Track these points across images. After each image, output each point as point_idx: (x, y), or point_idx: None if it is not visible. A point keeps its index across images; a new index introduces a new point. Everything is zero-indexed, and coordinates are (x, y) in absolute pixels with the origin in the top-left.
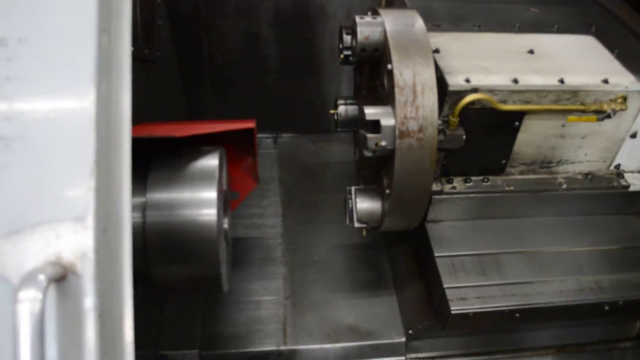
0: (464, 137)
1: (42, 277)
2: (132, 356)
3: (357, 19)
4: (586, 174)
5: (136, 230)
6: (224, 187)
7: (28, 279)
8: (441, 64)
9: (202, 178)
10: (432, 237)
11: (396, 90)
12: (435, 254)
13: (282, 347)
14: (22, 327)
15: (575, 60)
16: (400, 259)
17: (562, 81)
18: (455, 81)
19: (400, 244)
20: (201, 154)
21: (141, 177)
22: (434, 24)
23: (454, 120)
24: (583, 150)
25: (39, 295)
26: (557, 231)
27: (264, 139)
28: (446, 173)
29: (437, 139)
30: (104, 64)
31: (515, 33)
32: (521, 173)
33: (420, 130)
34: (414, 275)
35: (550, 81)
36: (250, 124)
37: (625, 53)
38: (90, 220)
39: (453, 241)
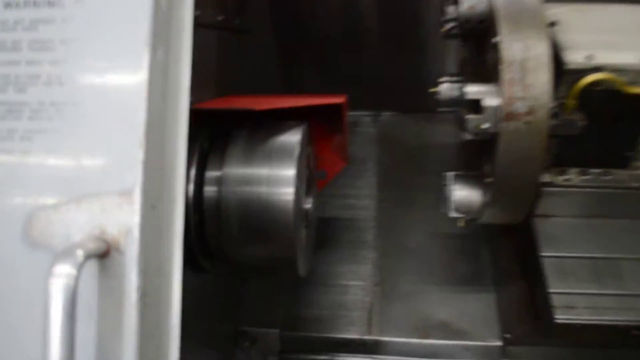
0: (582, 122)
1: (80, 252)
2: (177, 340)
3: None
4: None
5: (211, 204)
6: (308, 165)
7: (66, 253)
8: (559, 38)
9: (282, 154)
10: (540, 234)
11: (502, 66)
12: (542, 253)
13: (366, 337)
14: (53, 302)
15: None
16: (502, 254)
17: None
18: (575, 58)
19: (503, 237)
20: (283, 129)
21: (220, 150)
22: None
23: (571, 103)
24: None
25: (73, 271)
26: None
27: (363, 117)
28: (559, 163)
29: (549, 123)
30: (162, 28)
31: None
32: None
33: (530, 112)
34: (516, 274)
35: None
36: (339, 100)
37: None
38: (137, 195)
39: (564, 240)
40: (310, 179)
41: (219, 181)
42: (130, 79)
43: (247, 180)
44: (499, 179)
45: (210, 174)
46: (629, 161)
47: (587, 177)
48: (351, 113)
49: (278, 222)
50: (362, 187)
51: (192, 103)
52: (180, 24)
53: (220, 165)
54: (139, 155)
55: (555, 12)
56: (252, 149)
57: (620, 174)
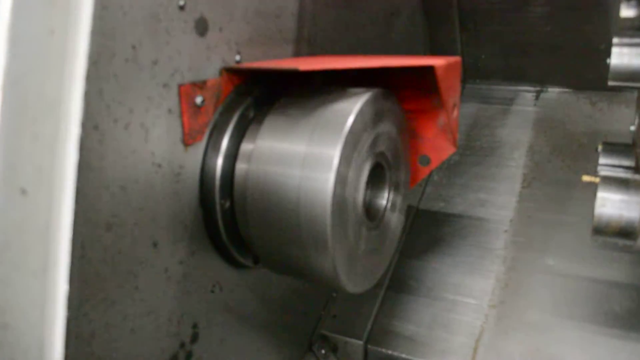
0: None
1: None
2: None
3: None
4: None
5: (240, 184)
6: (383, 146)
7: None
8: None
9: (327, 128)
10: None
11: None
12: None
13: None
14: None
15: None
16: None
17: None
18: None
19: None
20: (340, 96)
21: (262, 120)
22: None
23: None
24: None
25: None
26: None
27: (523, 92)
28: None
29: None
30: None
31: None
32: None
33: None
34: None
35: None
36: (437, 62)
37: None
38: None
39: None
40: (391, 166)
41: (249, 156)
42: None
43: (278, 159)
44: None
45: (246, 147)
46: None
47: None
48: (507, 87)
49: (311, 219)
50: (503, 179)
51: (239, 61)
52: None
53: (254, 136)
54: None
55: None
56: (294, 119)
57: None
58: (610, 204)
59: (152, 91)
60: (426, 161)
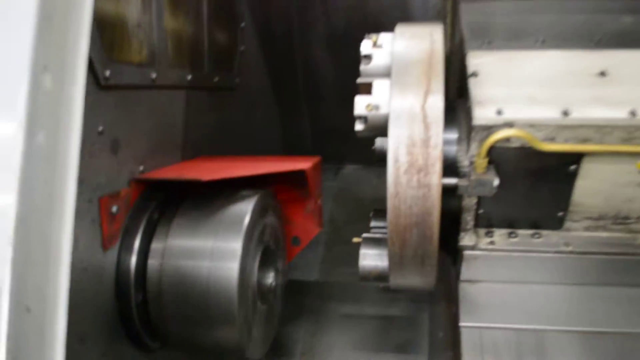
0: (496, 182)
1: None
2: None
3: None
4: None
5: (154, 278)
6: (268, 235)
7: None
8: (473, 90)
9: (229, 226)
10: (463, 300)
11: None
12: (462, 324)
13: None
14: None
15: None
16: (438, 321)
17: (634, 113)
18: (484, 113)
19: (443, 302)
20: (235, 199)
21: (169, 221)
22: (485, 41)
23: (481, 161)
24: None
25: None
26: (633, 307)
27: (326, 169)
28: (487, 224)
29: (451, 183)
30: (44, 109)
31: (590, 50)
32: (587, 229)
33: (420, 170)
34: (448, 345)
35: (618, 113)
36: (304, 165)
37: None
38: (4, 297)
39: (488, 308)
40: (272, 250)
41: (162, 254)
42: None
43: (190, 254)
44: (391, 239)
45: (156, 245)
46: (562, 222)
47: (514, 239)
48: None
49: (220, 298)
50: (308, 245)
51: (143, 171)
52: (69, 103)
53: (165, 236)
54: (7, 254)
55: (479, 61)
56: (199, 220)
57: (553, 237)
58: (369, 258)
59: (80, 206)
60: (297, 241)
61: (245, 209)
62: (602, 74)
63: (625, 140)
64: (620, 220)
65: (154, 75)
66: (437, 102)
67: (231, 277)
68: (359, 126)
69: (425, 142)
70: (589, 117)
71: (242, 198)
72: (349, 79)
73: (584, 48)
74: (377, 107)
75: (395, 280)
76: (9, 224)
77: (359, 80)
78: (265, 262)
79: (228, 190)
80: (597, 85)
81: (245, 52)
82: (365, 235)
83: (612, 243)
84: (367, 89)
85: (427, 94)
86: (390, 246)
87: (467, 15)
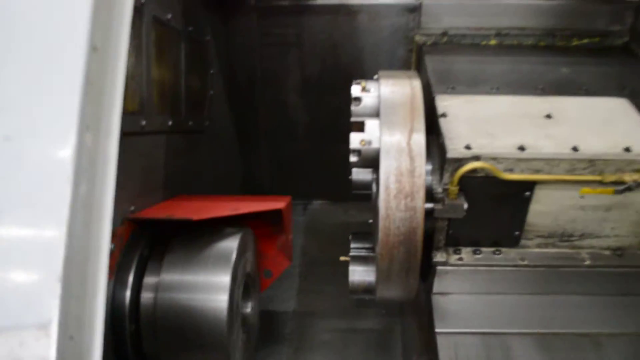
0: (465, 206)
1: None
2: None
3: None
4: (615, 250)
5: (148, 310)
6: (248, 269)
7: None
8: (444, 129)
9: (217, 262)
10: (436, 311)
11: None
12: (437, 330)
13: None
14: None
15: (598, 125)
16: (410, 332)
17: (575, 149)
18: (455, 148)
19: (412, 314)
20: (221, 236)
21: (160, 257)
22: (449, 86)
23: (453, 189)
24: (609, 224)
25: None
26: (579, 311)
27: (295, 206)
28: (455, 243)
29: (429, 207)
30: (85, 167)
31: (537, 96)
32: (538, 246)
33: (407, 196)
34: (421, 353)
35: (562, 149)
36: (279, 205)
37: None
38: (54, 328)
39: (458, 317)
40: (251, 282)
41: (155, 288)
42: (51, 218)
43: (183, 287)
44: (380, 255)
45: (148, 280)
46: (519, 240)
47: (479, 255)
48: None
49: (212, 328)
50: (284, 277)
51: (134, 211)
52: (105, 158)
53: (158, 271)
54: (57, 289)
55: (446, 104)
56: (189, 256)
57: (511, 253)
58: (357, 274)
59: None
60: (269, 274)
61: (231, 245)
62: (548, 116)
63: (569, 171)
64: (566, 237)
65: (143, 123)
66: (420, 139)
67: (222, 308)
68: (353, 158)
69: (411, 172)
70: (540, 152)
71: (228, 235)
72: (314, 121)
73: (531, 94)
74: (369, 142)
75: (382, 293)
76: (58, 262)
77: (352, 119)
78: (245, 293)
79: (212, 228)
80: (545, 125)
81: (213, 96)
82: (352, 254)
83: (560, 257)
84: (358, 126)
85: (411, 131)
86: (380, 262)
87: (432, 64)
